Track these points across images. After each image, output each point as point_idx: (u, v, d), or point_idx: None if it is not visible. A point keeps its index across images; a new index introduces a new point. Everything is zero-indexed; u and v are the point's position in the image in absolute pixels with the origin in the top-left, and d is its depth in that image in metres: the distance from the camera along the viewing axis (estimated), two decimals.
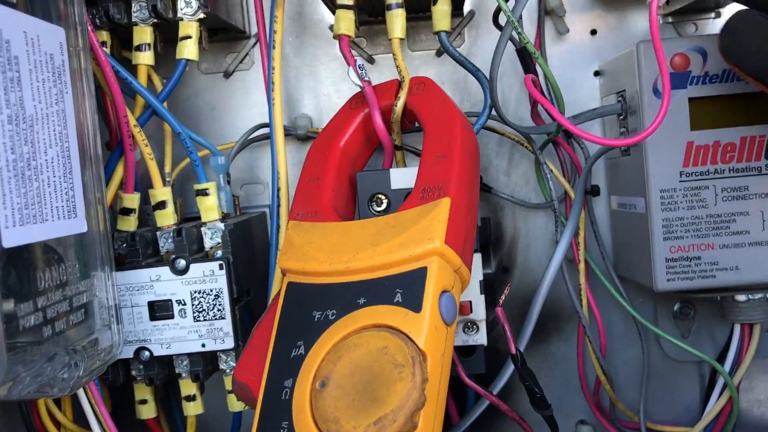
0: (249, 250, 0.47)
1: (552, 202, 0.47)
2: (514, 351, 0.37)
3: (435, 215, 0.34)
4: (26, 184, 0.30)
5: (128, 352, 0.43)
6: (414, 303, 0.32)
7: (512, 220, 0.52)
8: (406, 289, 0.32)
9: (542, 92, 0.46)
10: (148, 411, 0.45)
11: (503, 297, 0.37)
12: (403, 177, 0.40)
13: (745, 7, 0.36)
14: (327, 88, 0.52)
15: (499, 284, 0.52)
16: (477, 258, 0.40)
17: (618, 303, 0.50)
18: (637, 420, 0.48)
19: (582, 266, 0.46)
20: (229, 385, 0.45)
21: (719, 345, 0.49)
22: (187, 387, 0.45)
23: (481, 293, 0.40)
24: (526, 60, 0.46)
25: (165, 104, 0.44)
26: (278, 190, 0.44)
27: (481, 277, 0.40)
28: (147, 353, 0.43)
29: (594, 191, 0.50)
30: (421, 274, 0.32)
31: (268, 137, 0.51)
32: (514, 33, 0.39)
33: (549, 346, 0.52)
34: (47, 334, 0.31)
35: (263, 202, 0.53)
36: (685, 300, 0.50)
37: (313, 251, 0.35)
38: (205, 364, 0.44)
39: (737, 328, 0.45)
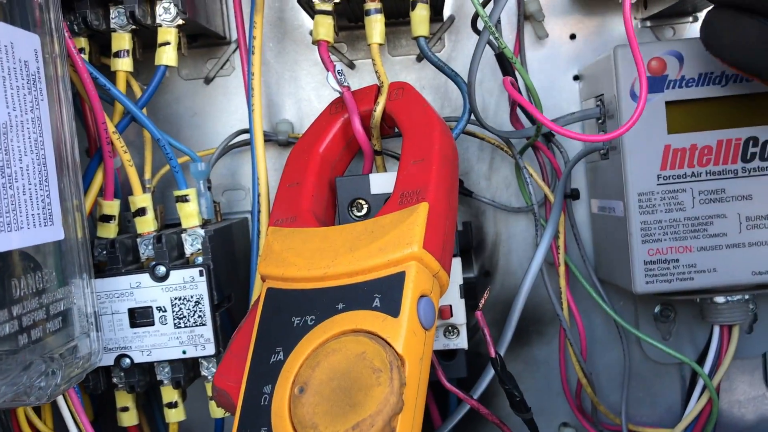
0: (230, 257, 0.47)
1: (532, 206, 0.47)
2: (493, 354, 0.37)
3: (413, 220, 0.34)
4: (0, 191, 0.30)
5: (109, 360, 0.43)
6: (392, 308, 0.32)
7: (494, 225, 0.52)
8: (384, 294, 0.32)
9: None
10: (129, 418, 0.45)
11: (483, 301, 0.37)
12: (382, 182, 0.40)
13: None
14: (308, 93, 0.52)
15: (482, 288, 0.52)
16: (456, 262, 0.40)
17: (599, 306, 0.50)
18: (619, 422, 0.48)
19: (562, 269, 0.47)
20: (210, 392, 0.45)
21: (699, 347, 0.50)
22: (169, 394, 0.44)
23: (461, 297, 0.40)
24: (505, 64, 0.46)
25: (144, 111, 0.44)
26: (258, 195, 0.44)
27: (461, 282, 0.40)
28: (128, 360, 0.43)
29: (574, 195, 0.50)
30: (399, 278, 0.33)
31: (249, 143, 0.51)
32: (491, 38, 0.39)
33: (530, 350, 0.53)
34: (23, 342, 0.31)
35: (245, 208, 0.53)
36: (666, 302, 0.50)
37: (293, 257, 0.35)
38: (187, 370, 0.44)
39: (716, 330, 0.45)
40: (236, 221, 0.50)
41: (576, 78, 0.51)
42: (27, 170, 0.32)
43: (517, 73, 0.44)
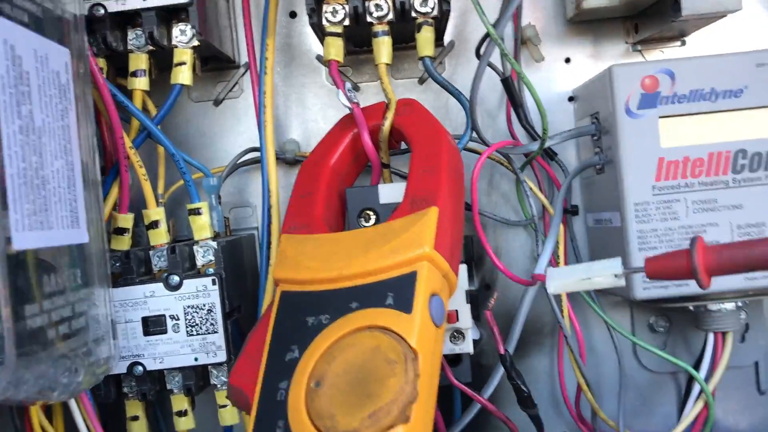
0: (239, 269, 0.48)
1: (532, 218, 0.49)
2: (503, 351, 0.38)
3: (424, 223, 0.35)
4: (35, 191, 0.32)
5: (122, 368, 0.43)
6: (405, 305, 0.33)
7: (494, 239, 0.54)
8: (397, 292, 0.34)
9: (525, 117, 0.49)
10: (139, 428, 0.46)
11: (492, 302, 0.39)
12: (391, 192, 0.41)
13: None
14: (314, 114, 0.54)
15: (483, 300, 0.53)
16: (463, 269, 0.42)
17: (597, 319, 0.52)
18: (618, 429, 0.50)
19: None
20: (220, 400, 0.46)
21: (695, 356, 0.51)
22: (179, 402, 0.45)
23: (467, 302, 0.42)
24: (511, 89, 0.49)
25: (159, 128, 0.46)
26: (270, 207, 0.46)
27: (467, 287, 0.42)
28: (140, 368, 0.44)
29: (573, 211, 0.52)
30: (411, 278, 0.34)
31: (256, 161, 0.53)
32: (502, 57, 0.41)
33: (530, 361, 0.54)
34: (52, 336, 0.32)
35: (252, 224, 0.54)
36: (660, 313, 0.52)
37: (307, 260, 0.37)
38: (197, 378, 0.45)
39: (711, 337, 0.47)
40: (245, 236, 0.51)
41: (571, 99, 0.53)
42: (58, 174, 0.34)
43: (525, 89, 0.47)
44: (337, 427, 0.31)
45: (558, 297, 0.49)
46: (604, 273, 0.36)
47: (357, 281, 0.35)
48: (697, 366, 0.48)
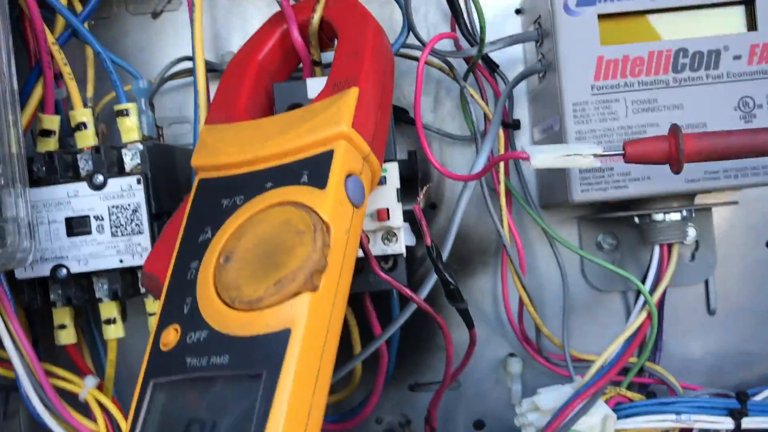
0: (172, 176, 0.47)
1: (475, 131, 0.48)
2: (429, 243, 0.37)
3: (343, 102, 0.34)
4: None
5: (45, 270, 0.42)
6: (320, 181, 0.32)
7: (439, 156, 0.52)
8: (312, 170, 0.33)
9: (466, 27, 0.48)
10: (67, 336, 0.44)
11: (421, 195, 0.37)
12: (319, 86, 0.40)
13: None
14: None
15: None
16: (394, 166, 0.41)
17: (543, 239, 0.51)
18: (562, 347, 0.48)
19: (502, 188, 0.47)
20: (150, 308, 0.44)
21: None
22: (108, 310, 0.44)
23: (398, 201, 0.41)
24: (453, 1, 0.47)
25: (86, 26, 0.44)
26: (197, 107, 0.44)
27: (398, 185, 0.41)
28: (64, 270, 0.42)
29: (515, 125, 0.51)
30: (327, 156, 0.33)
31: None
32: None
33: (475, 281, 0.53)
34: None
35: (190, 140, 0.53)
36: (608, 230, 0.51)
37: (225, 146, 0.36)
38: (125, 283, 0.43)
39: (656, 249, 0.46)
40: (181, 147, 0.49)
41: (518, 12, 0.52)
42: None
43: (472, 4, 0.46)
44: (241, 297, 0.30)
45: (499, 211, 0.47)
46: (583, 151, 0.37)
47: (273, 162, 0.34)
48: (644, 281, 0.46)
